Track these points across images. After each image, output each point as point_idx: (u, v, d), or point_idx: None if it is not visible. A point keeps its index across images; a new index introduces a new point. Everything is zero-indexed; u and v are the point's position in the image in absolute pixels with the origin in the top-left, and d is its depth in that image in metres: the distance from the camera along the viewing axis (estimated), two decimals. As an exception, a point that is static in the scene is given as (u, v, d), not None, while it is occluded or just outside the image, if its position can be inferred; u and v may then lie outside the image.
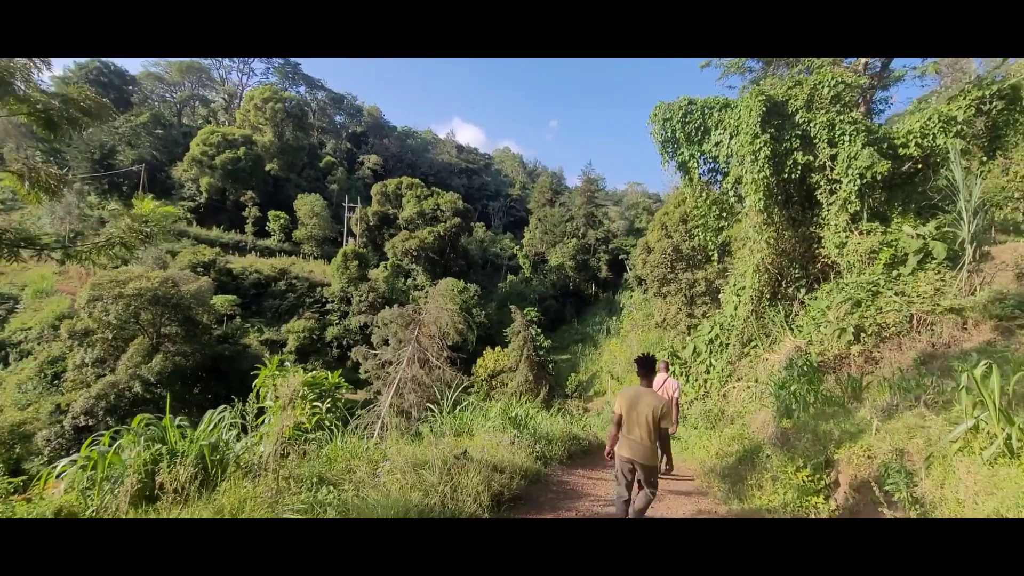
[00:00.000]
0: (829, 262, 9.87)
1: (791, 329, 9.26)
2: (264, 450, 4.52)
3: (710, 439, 8.46)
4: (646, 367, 4.46)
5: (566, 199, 68.75)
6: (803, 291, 10.24)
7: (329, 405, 6.30)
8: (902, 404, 5.11)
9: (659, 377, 8.26)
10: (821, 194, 9.72)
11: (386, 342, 18.39)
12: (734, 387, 9.86)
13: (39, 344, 26.56)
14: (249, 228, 52.75)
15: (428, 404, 9.75)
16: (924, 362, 6.48)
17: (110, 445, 4.51)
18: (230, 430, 5.12)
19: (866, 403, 5.64)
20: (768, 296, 10.49)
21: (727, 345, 11.23)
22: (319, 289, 39.70)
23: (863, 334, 7.69)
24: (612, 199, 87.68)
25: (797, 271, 10.51)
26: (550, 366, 27.11)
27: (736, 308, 10.98)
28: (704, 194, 12.16)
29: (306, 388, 6.13)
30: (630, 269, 51.37)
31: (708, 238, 12.68)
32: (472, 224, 74.09)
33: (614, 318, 47.70)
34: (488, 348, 31.75)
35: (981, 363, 3.78)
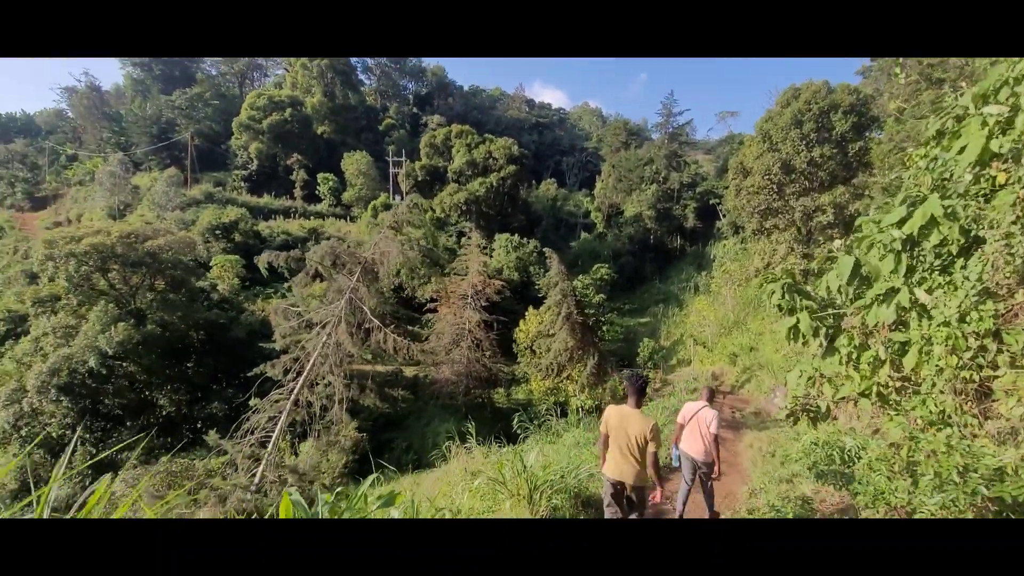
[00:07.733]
0: None
1: None
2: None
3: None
4: (637, 386, 4.30)
5: (644, 146, 58.69)
6: None
7: None
8: None
9: (693, 405, 5.51)
10: None
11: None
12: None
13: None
14: (298, 192, 50.32)
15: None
16: None
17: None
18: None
19: None
20: None
21: (977, 242, 3.68)
22: (352, 250, 35.48)
23: None
24: (703, 148, 75.34)
25: None
26: (603, 328, 20.06)
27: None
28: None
29: None
30: (723, 215, 41.89)
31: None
32: (542, 179, 67.16)
33: (703, 273, 38.79)
34: (532, 308, 25.36)
35: None
